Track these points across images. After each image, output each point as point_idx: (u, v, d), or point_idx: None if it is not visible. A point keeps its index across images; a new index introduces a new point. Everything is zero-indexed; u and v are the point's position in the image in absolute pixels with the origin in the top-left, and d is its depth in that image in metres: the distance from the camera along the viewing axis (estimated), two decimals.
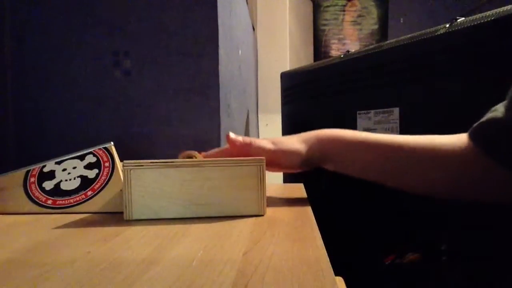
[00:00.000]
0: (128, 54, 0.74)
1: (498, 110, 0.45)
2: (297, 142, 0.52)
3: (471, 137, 0.47)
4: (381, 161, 0.50)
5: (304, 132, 0.55)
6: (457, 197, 0.49)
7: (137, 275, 0.26)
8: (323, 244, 0.32)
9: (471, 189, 0.47)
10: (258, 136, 2.30)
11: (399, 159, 0.49)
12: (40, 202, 0.49)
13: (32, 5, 0.74)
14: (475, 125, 0.48)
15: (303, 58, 3.07)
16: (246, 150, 0.50)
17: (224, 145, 0.76)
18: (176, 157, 0.51)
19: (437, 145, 0.48)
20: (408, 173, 0.49)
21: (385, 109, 0.83)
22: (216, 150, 0.57)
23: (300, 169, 0.53)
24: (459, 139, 0.48)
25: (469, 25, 0.67)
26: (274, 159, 0.50)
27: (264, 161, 0.43)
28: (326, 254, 0.29)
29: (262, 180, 0.43)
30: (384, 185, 0.51)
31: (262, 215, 0.43)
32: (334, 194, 0.96)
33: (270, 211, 0.45)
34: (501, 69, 0.64)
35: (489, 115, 0.47)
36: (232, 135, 0.52)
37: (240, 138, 0.52)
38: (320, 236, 0.34)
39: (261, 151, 0.50)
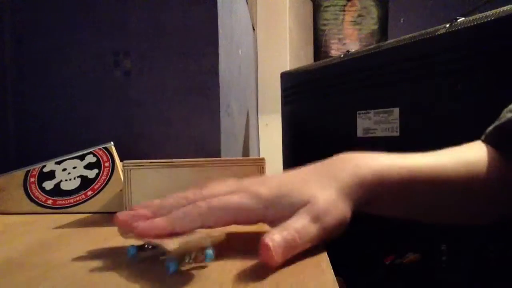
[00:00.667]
0: (128, 54, 0.74)
1: None
2: (339, 201, 0.34)
3: (492, 143, 0.42)
4: (432, 199, 0.41)
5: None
6: (492, 220, 0.44)
7: (137, 275, 0.26)
8: (323, 244, 0.32)
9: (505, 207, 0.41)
10: (257, 136, 2.30)
11: (445, 192, 0.41)
12: (40, 202, 0.49)
13: (32, 5, 0.74)
14: (491, 130, 0.43)
15: (303, 58, 3.07)
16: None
17: (225, 147, 0.76)
18: (176, 157, 0.51)
19: (479, 172, 0.40)
20: (452, 206, 0.42)
21: (385, 109, 0.83)
22: None
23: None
24: (483, 150, 0.42)
25: (469, 25, 0.67)
26: (323, 239, 0.33)
27: (264, 161, 0.43)
28: (326, 254, 0.29)
29: None
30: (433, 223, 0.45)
31: None
32: None
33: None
34: (502, 69, 0.64)
35: (507, 115, 0.42)
36: (269, 242, 0.28)
37: (281, 241, 0.29)
38: None
39: (310, 240, 0.31)
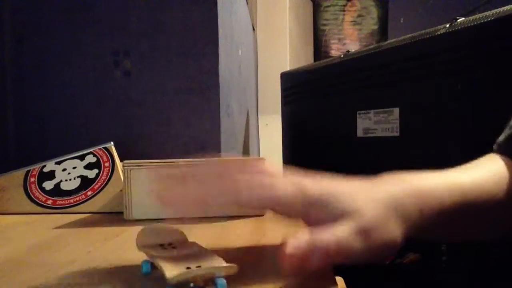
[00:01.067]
0: (128, 54, 0.74)
1: None
2: (391, 220, 0.30)
3: (508, 153, 0.40)
4: (481, 222, 0.40)
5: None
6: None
7: (137, 275, 0.26)
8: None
9: None
10: (257, 136, 2.30)
11: (481, 213, 0.39)
12: (40, 202, 0.49)
13: (32, 5, 0.74)
14: (504, 139, 0.42)
15: (303, 58, 3.07)
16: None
17: (225, 147, 0.76)
18: (176, 157, 0.51)
19: (502, 193, 0.39)
20: (483, 225, 0.40)
21: (385, 109, 0.83)
22: None
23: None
24: (501, 163, 0.40)
25: (469, 25, 0.67)
26: (365, 258, 0.28)
27: (265, 160, 0.43)
28: None
29: None
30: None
31: (262, 215, 0.43)
32: None
33: (270, 211, 0.45)
34: (502, 69, 0.64)
35: None
36: (289, 247, 0.25)
37: (302, 244, 0.26)
38: None
39: (347, 253, 0.27)
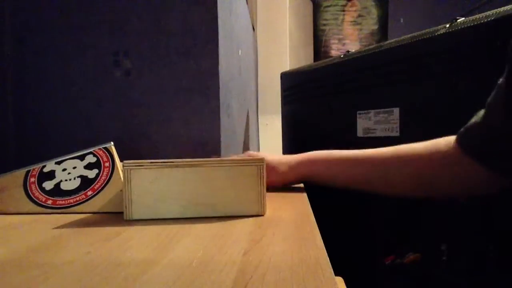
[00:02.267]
0: (128, 54, 0.74)
1: (479, 115, 0.51)
2: (282, 163, 0.61)
3: (457, 139, 0.53)
4: (355, 171, 0.58)
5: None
6: (436, 195, 0.57)
7: (137, 275, 0.26)
8: (323, 244, 0.32)
9: (451, 185, 0.54)
10: (257, 136, 2.30)
11: (372, 167, 0.57)
12: (40, 202, 0.49)
13: (32, 5, 0.74)
14: (462, 129, 0.53)
15: (303, 58, 3.07)
16: None
17: (225, 147, 0.76)
18: (176, 157, 0.51)
19: (410, 149, 0.55)
20: (384, 178, 0.57)
21: (385, 109, 0.83)
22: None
23: (281, 183, 0.62)
24: (433, 143, 0.54)
25: (469, 25, 0.67)
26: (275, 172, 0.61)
27: (264, 161, 0.43)
28: (326, 254, 0.29)
29: (262, 180, 0.43)
30: (365, 192, 0.59)
31: (262, 215, 0.43)
32: (334, 194, 0.96)
33: (270, 211, 0.45)
34: (502, 69, 0.64)
35: (471, 120, 0.52)
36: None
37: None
38: (320, 236, 0.34)
39: None
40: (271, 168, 0.59)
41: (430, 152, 0.53)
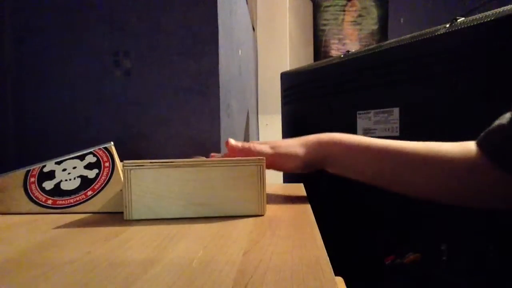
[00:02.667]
0: (128, 54, 0.74)
1: (505, 117, 0.45)
2: (297, 146, 0.53)
3: (478, 144, 0.47)
4: (381, 165, 0.50)
5: (305, 133, 0.57)
6: (459, 203, 0.49)
7: (137, 275, 0.26)
8: (323, 244, 0.32)
9: (476, 195, 0.47)
10: (258, 137, 2.30)
11: (401, 163, 0.49)
12: (40, 202, 0.49)
13: (32, 5, 0.74)
14: (483, 133, 0.47)
15: (303, 58, 3.07)
16: (247, 153, 0.53)
17: (224, 147, 0.76)
18: (176, 157, 0.51)
19: (442, 151, 0.47)
20: (411, 177, 0.49)
21: (385, 109, 0.83)
22: (218, 155, 0.61)
23: (300, 171, 0.54)
24: (464, 147, 0.48)
25: (469, 25, 0.67)
26: (274, 163, 0.53)
27: (264, 161, 0.43)
28: (326, 254, 0.29)
29: (262, 180, 0.43)
30: (384, 189, 0.52)
31: (262, 215, 0.43)
32: (334, 194, 0.96)
33: (270, 211, 0.45)
34: (501, 69, 0.64)
35: (496, 122, 0.46)
36: (232, 141, 0.54)
37: (239, 144, 0.54)
38: (320, 236, 0.34)
39: (260, 156, 0.51)
40: (288, 155, 0.53)
41: (462, 156, 0.47)
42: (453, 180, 0.47)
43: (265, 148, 0.53)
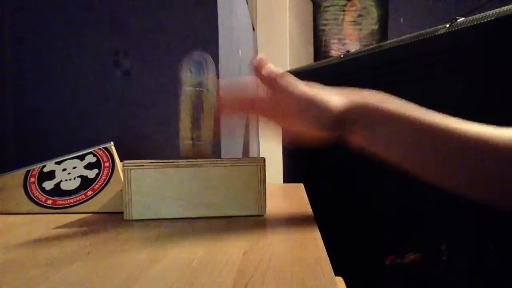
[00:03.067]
0: (128, 54, 0.74)
1: None
2: (335, 94, 0.43)
3: None
4: (423, 144, 0.41)
5: None
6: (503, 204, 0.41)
7: (137, 275, 0.26)
8: (323, 244, 0.32)
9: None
10: (258, 137, 2.30)
11: (445, 148, 0.41)
12: (40, 202, 0.49)
13: (32, 5, 0.74)
14: None
15: (303, 58, 3.07)
16: (273, 86, 0.40)
17: (225, 147, 0.76)
18: (176, 158, 0.51)
19: (493, 138, 0.39)
20: (452, 167, 0.41)
21: None
22: (235, 83, 0.47)
23: (326, 130, 0.42)
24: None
25: (469, 25, 0.67)
26: (305, 107, 0.40)
27: (264, 161, 0.43)
28: (326, 254, 0.29)
29: (262, 180, 0.43)
30: (414, 175, 0.42)
31: (262, 215, 0.43)
32: (334, 194, 0.96)
33: (270, 211, 0.45)
34: (501, 69, 0.64)
35: None
36: (261, 58, 0.40)
37: (268, 68, 0.40)
38: (320, 236, 0.34)
39: (291, 92, 0.39)
40: (312, 102, 0.41)
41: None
42: (495, 173, 0.39)
43: (301, 85, 0.41)
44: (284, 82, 0.40)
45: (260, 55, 0.40)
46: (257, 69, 0.41)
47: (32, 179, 0.51)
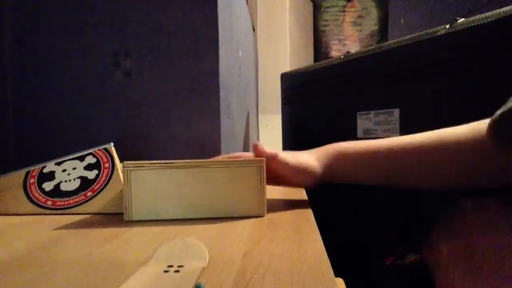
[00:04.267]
0: (129, 55, 0.74)
1: None
2: (311, 158, 0.52)
3: (490, 126, 0.46)
4: (393, 165, 0.51)
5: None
6: (472, 186, 0.49)
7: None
8: (323, 245, 0.32)
9: (488, 177, 0.47)
10: (258, 137, 2.30)
11: (411, 162, 0.50)
12: (40, 203, 0.49)
13: (32, 5, 0.74)
14: (495, 114, 0.46)
15: (303, 59, 3.07)
16: (270, 161, 0.49)
17: (225, 147, 0.76)
18: (176, 158, 0.51)
19: (448, 138, 0.48)
20: (421, 173, 0.50)
21: (385, 110, 0.83)
22: (237, 155, 0.57)
23: (313, 187, 0.53)
24: (473, 129, 0.47)
25: (469, 25, 0.67)
26: (293, 175, 0.50)
27: (264, 162, 0.43)
28: (326, 255, 0.29)
29: (262, 181, 0.43)
30: (397, 189, 0.52)
31: (262, 216, 0.43)
32: (334, 195, 0.96)
33: (270, 212, 0.45)
34: (502, 69, 0.64)
35: (509, 104, 0.45)
36: (259, 145, 0.50)
37: (266, 150, 0.50)
38: (320, 237, 0.34)
39: (284, 165, 0.49)
40: (302, 170, 0.51)
41: (474, 139, 0.47)
42: (460, 167, 0.47)
43: (291, 158, 0.50)
44: (281, 158, 0.50)
45: (255, 142, 0.51)
46: (258, 152, 0.50)
47: (32, 180, 0.51)
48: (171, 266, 0.27)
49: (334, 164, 0.52)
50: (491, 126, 0.45)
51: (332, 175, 0.53)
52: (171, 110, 0.74)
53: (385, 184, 0.52)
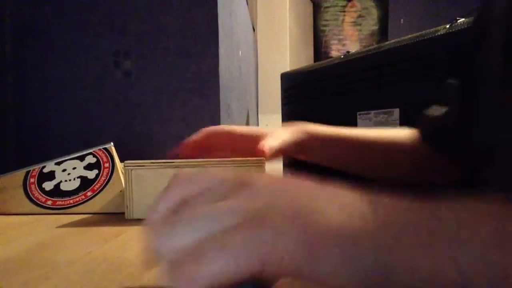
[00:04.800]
0: (129, 55, 0.74)
1: (437, 109, 0.56)
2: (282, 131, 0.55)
3: (420, 130, 0.56)
4: (343, 153, 0.57)
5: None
6: (407, 179, 0.57)
7: (137, 275, 0.26)
8: None
9: (418, 171, 0.56)
10: None
11: (354, 151, 0.57)
12: (40, 203, 0.49)
13: (32, 5, 0.74)
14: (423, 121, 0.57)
15: (303, 59, 3.07)
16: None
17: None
18: (176, 158, 0.51)
19: (390, 136, 0.56)
20: (357, 161, 0.57)
21: (385, 110, 0.83)
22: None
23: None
24: (409, 131, 0.57)
25: (469, 25, 0.67)
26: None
27: (264, 161, 0.43)
28: None
29: None
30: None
31: None
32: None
33: None
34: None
35: (430, 113, 0.57)
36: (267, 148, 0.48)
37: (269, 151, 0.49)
38: None
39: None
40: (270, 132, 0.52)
41: (408, 139, 0.56)
42: (400, 161, 0.56)
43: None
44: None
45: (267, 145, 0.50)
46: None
47: (32, 180, 0.51)
48: None
49: (303, 143, 0.54)
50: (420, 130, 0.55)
51: (302, 154, 0.55)
52: (171, 109, 0.74)
53: (347, 169, 0.57)
